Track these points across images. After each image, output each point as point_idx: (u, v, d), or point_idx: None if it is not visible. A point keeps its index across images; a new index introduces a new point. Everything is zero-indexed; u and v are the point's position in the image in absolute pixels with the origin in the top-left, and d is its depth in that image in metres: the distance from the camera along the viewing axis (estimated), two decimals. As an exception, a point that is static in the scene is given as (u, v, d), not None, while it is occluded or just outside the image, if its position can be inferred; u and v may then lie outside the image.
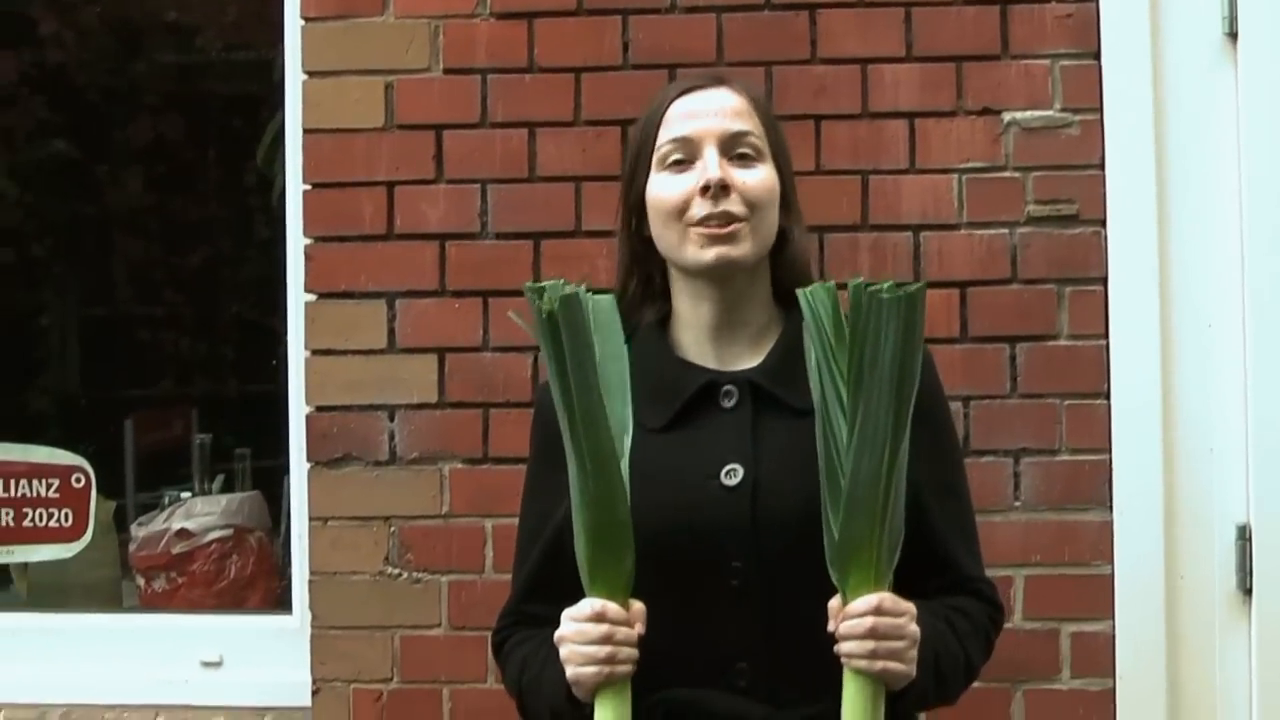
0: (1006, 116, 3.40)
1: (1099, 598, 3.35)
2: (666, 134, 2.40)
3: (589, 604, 2.18)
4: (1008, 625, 2.59)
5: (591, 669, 2.17)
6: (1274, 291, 3.34)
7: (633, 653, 2.18)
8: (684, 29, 3.45)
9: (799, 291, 2.20)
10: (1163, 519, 3.34)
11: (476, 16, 3.50)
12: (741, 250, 2.34)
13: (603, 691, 2.18)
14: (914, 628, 2.17)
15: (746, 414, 2.35)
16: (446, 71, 3.50)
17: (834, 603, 2.17)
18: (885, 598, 2.14)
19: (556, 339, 2.13)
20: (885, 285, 2.10)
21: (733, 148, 2.37)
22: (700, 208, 2.33)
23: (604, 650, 2.16)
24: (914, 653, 2.17)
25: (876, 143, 3.42)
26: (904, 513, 2.17)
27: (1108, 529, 3.35)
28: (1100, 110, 3.38)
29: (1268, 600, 3.33)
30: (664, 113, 2.42)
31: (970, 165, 3.40)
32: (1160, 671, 3.33)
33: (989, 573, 2.50)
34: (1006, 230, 3.39)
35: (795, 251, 2.46)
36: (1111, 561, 3.35)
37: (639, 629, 2.19)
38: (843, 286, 2.16)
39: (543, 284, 2.15)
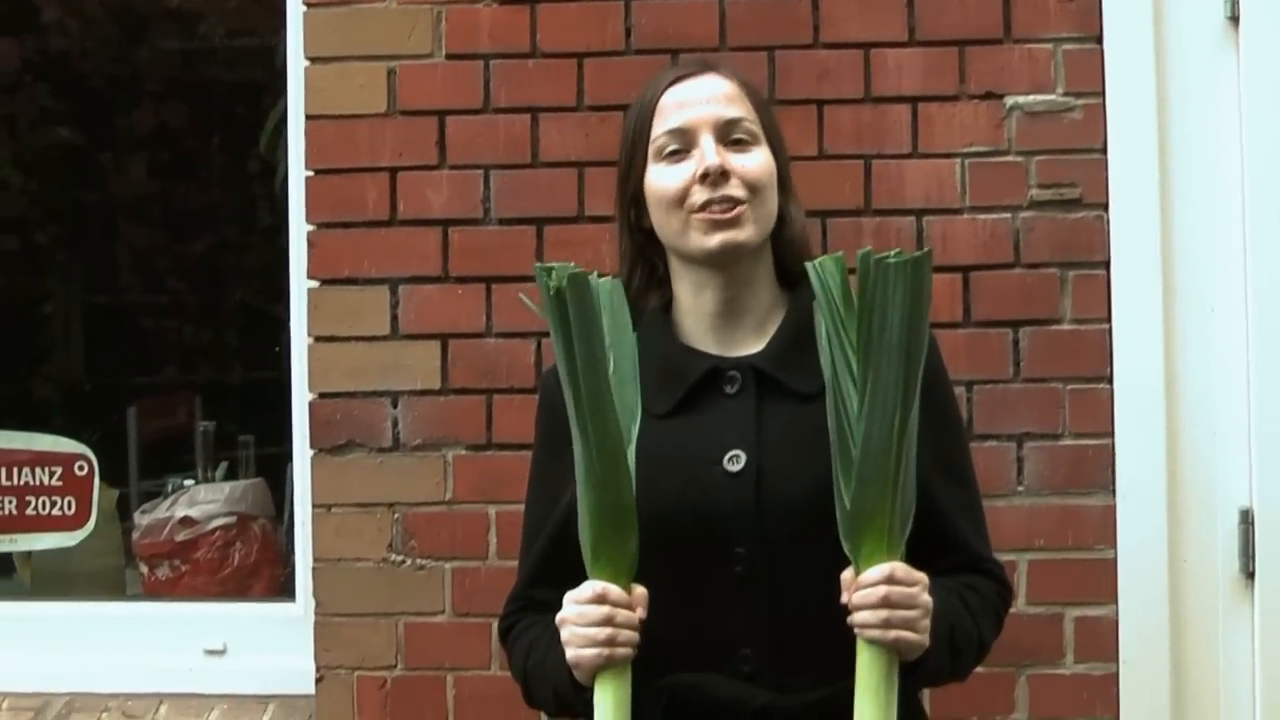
0: (1009, 101, 3.40)
1: (1102, 582, 3.35)
2: (661, 126, 2.40)
3: (590, 586, 2.19)
4: (1011, 610, 2.59)
5: (591, 651, 2.17)
6: (1277, 275, 3.34)
7: (633, 636, 2.18)
8: (686, 14, 3.45)
9: (808, 264, 2.20)
10: (1166, 503, 3.35)
11: (479, 2, 3.50)
12: (746, 234, 2.34)
13: (602, 674, 2.18)
14: (927, 597, 2.16)
15: (750, 399, 2.35)
16: (449, 57, 3.50)
17: (846, 574, 2.17)
18: (898, 567, 2.14)
19: (564, 318, 2.14)
20: (892, 252, 2.10)
21: (728, 134, 2.37)
22: (700, 194, 2.33)
23: (604, 632, 2.16)
24: (927, 622, 2.17)
25: (879, 127, 3.42)
26: (915, 483, 2.17)
27: (1111, 513, 3.35)
28: (1103, 94, 3.38)
29: (1270, 584, 3.33)
30: (656, 103, 2.42)
31: (973, 149, 3.40)
32: (1163, 655, 3.33)
33: (996, 556, 2.51)
34: (1009, 214, 3.39)
35: (794, 232, 2.45)
36: (1115, 546, 3.35)
37: (640, 613, 2.19)
38: (852, 271, 2.16)
39: (551, 264, 2.16)
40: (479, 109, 3.50)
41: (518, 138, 3.48)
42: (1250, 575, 3.35)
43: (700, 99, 2.39)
